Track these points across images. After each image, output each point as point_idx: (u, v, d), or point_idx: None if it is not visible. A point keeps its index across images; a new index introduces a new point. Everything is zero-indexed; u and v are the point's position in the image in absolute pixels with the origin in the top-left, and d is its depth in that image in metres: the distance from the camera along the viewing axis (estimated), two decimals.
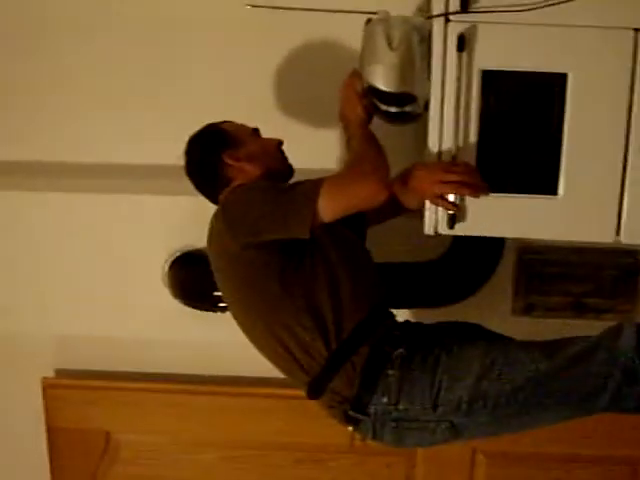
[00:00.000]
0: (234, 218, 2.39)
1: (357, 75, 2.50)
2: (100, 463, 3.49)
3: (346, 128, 2.56)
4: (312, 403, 2.45)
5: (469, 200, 2.44)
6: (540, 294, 3.15)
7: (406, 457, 3.38)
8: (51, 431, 3.45)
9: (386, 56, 2.39)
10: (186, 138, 2.58)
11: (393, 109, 2.46)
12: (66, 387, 3.42)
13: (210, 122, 2.60)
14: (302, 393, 2.44)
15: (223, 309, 2.90)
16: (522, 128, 2.43)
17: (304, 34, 2.96)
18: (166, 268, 3.09)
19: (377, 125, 2.54)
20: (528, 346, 2.34)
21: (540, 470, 3.37)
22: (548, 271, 3.12)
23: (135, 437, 3.47)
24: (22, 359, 3.44)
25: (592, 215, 2.47)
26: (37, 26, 3.07)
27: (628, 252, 3.07)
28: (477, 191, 2.41)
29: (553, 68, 2.37)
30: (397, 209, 2.65)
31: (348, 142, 2.54)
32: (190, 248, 3.05)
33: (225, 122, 2.60)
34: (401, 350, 2.32)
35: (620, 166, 2.42)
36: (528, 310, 3.17)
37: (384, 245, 2.77)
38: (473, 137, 2.42)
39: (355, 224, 2.52)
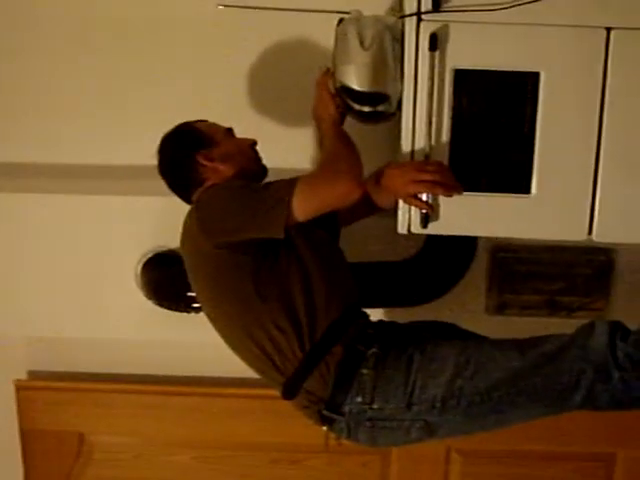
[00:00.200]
0: (207, 218, 2.39)
1: (329, 74, 2.50)
2: (74, 465, 3.47)
3: (319, 127, 2.56)
4: (287, 403, 2.44)
5: (442, 199, 2.45)
6: (513, 292, 3.16)
7: (381, 456, 3.38)
8: (24, 433, 3.42)
9: (358, 56, 2.39)
10: (159, 138, 2.57)
11: (366, 108, 2.46)
12: (39, 389, 3.39)
13: (183, 121, 2.59)
14: (277, 393, 2.44)
15: (197, 310, 2.89)
16: (495, 127, 2.43)
17: (277, 34, 2.96)
18: (139, 269, 3.08)
19: (350, 124, 2.54)
20: (502, 344, 2.34)
21: (515, 467, 3.38)
22: (521, 269, 3.13)
23: (109, 439, 3.45)
24: None
25: (565, 214, 2.48)
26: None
27: (601, 250, 3.09)
28: (450, 190, 2.42)
29: (525, 67, 2.37)
30: (370, 208, 2.66)
31: (321, 141, 2.55)
32: (163, 249, 3.03)
33: (199, 121, 2.60)
34: (375, 349, 2.32)
35: (592, 165, 2.43)
36: (501, 308, 3.18)
37: (358, 244, 2.78)
38: (446, 136, 2.43)
39: (328, 224, 2.51)
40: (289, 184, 2.30)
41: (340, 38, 2.45)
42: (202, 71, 3.02)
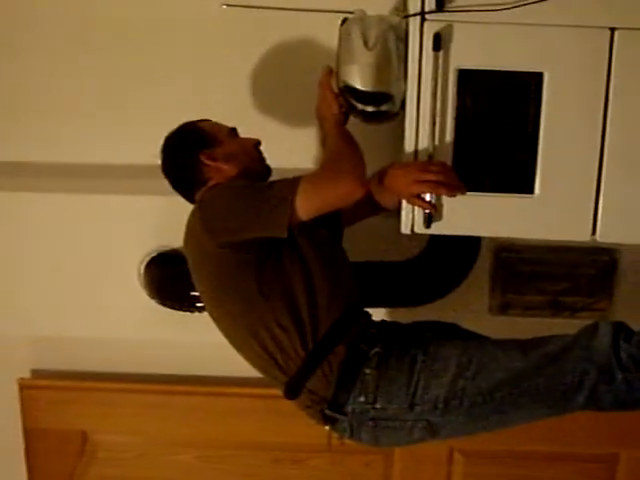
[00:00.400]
0: (211, 217, 2.39)
1: (332, 74, 2.50)
2: (77, 464, 3.48)
3: (322, 127, 2.56)
4: (289, 403, 2.44)
5: (446, 199, 2.44)
6: (517, 293, 3.15)
7: (384, 456, 3.38)
8: (28, 432, 3.43)
9: (362, 55, 2.39)
10: (162, 137, 2.57)
11: (369, 108, 2.46)
12: (43, 388, 3.40)
13: (187, 120, 2.59)
14: (279, 392, 2.44)
15: (199, 309, 2.89)
16: (498, 127, 2.43)
17: (280, 33, 2.96)
18: (142, 268, 3.08)
19: (353, 124, 2.54)
20: (504, 345, 2.34)
21: (517, 468, 3.38)
22: (524, 270, 3.13)
23: (112, 438, 3.46)
24: None
25: (568, 214, 2.48)
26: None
27: (604, 250, 3.08)
28: (453, 190, 2.41)
29: (529, 67, 2.37)
30: (374, 208, 2.66)
31: (324, 141, 2.55)
32: (166, 248, 3.03)
33: (203, 121, 2.60)
34: (377, 349, 2.32)
35: (596, 165, 2.42)
36: (505, 309, 3.18)
37: (361, 244, 2.78)
38: (449, 136, 2.42)
39: (331, 224, 2.52)
40: (292, 183, 2.30)
41: (344, 38, 2.45)
42: (206, 71, 3.02)
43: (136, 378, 3.36)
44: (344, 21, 2.49)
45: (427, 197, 2.43)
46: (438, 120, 2.40)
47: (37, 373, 3.44)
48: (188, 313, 3.00)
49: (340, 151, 2.41)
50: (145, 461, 3.48)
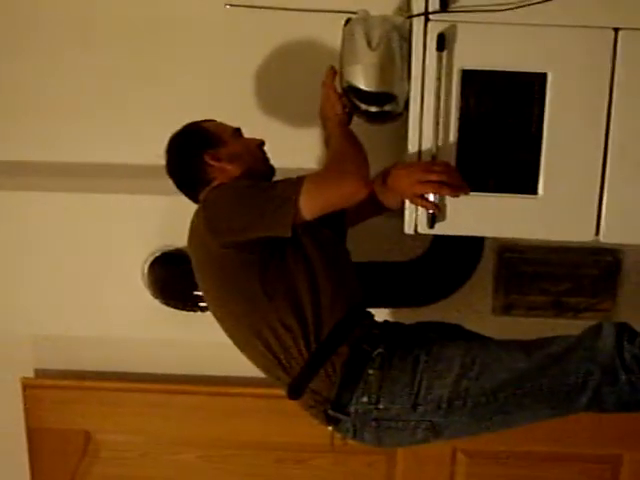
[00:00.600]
0: (215, 217, 2.39)
1: (335, 73, 2.50)
2: (80, 463, 3.48)
3: (326, 127, 2.56)
4: (292, 403, 2.44)
5: (449, 199, 2.44)
6: (520, 293, 3.15)
7: (387, 456, 3.38)
8: (31, 431, 3.43)
9: (366, 56, 2.39)
10: (166, 137, 2.57)
11: (373, 108, 2.46)
12: (46, 387, 3.40)
13: (192, 121, 2.59)
14: (282, 392, 2.44)
15: (203, 309, 2.89)
16: (502, 128, 2.43)
17: (284, 34, 2.96)
18: (146, 268, 3.08)
19: (357, 124, 2.54)
20: (508, 345, 2.34)
21: (520, 469, 3.38)
22: (528, 270, 3.13)
23: (115, 437, 3.46)
24: (1, 359, 3.42)
25: (571, 214, 2.48)
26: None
27: (607, 251, 3.08)
28: (457, 191, 2.41)
29: (533, 68, 2.37)
30: (377, 208, 2.66)
31: (328, 141, 2.55)
32: (170, 248, 3.04)
33: (207, 121, 2.60)
34: (381, 349, 2.32)
35: (599, 166, 2.42)
36: (508, 309, 3.18)
37: (365, 244, 2.78)
38: (453, 137, 2.42)
39: (335, 224, 2.52)
40: (296, 183, 2.30)
41: (347, 38, 2.45)
42: (209, 71, 3.02)
43: (139, 377, 3.37)
44: (347, 21, 2.49)
45: (431, 197, 2.43)
46: (442, 120, 2.40)
47: (40, 372, 3.44)
48: (191, 313, 3.00)
49: (344, 151, 2.41)
50: (148, 460, 3.49)
